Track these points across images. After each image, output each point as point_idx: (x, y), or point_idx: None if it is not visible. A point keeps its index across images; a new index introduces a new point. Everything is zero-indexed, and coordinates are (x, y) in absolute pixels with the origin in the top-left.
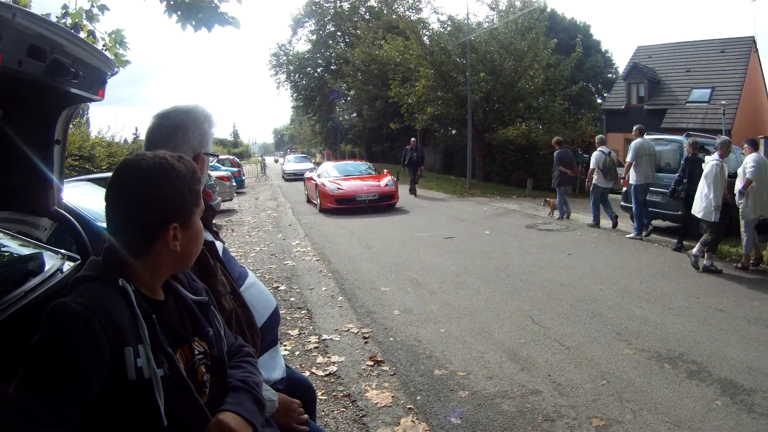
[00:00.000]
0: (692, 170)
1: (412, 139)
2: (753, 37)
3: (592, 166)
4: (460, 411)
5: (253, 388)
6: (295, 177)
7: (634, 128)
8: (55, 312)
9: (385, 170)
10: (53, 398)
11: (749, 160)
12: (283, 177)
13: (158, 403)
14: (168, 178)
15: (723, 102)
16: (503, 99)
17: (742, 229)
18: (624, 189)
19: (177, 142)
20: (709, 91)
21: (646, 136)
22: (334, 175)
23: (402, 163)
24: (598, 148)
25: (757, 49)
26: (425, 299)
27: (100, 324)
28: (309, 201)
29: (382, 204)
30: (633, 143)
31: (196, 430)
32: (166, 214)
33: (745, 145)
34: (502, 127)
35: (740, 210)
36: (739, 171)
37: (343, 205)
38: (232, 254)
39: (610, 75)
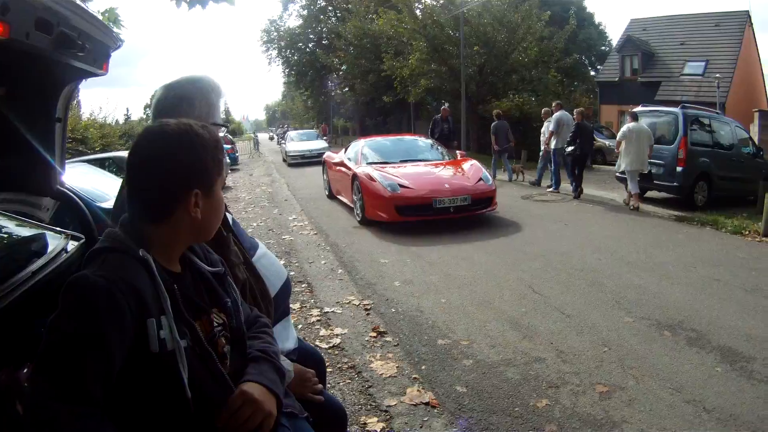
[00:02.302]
0: (582, 134)
1: (443, 107)
2: (748, 11)
3: (551, 129)
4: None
5: (273, 357)
6: (304, 160)
7: (629, 115)
8: (75, 285)
9: (459, 152)
10: (76, 374)
11: (622, 129)
12: (285, 160)
13: (182, 375)
14: (192, 144)
15: (717, 75)
16: (497, 71)
17: (627, 177)
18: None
19: (183, 113)
20: (703, 64)
21: (640, 108)
22: (378, 159)
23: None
24: (547, 120)
25: (752, 24)
26: (425, 270)
27: (122, 295)
28: (332, 195)
29: (476, 212)
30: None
31: (220, 401)
32: (189, 179)
33: (628, 117)
34: (496, 100)
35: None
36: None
37: (413, 216)
38: (249, 237)
39: (603, 48)
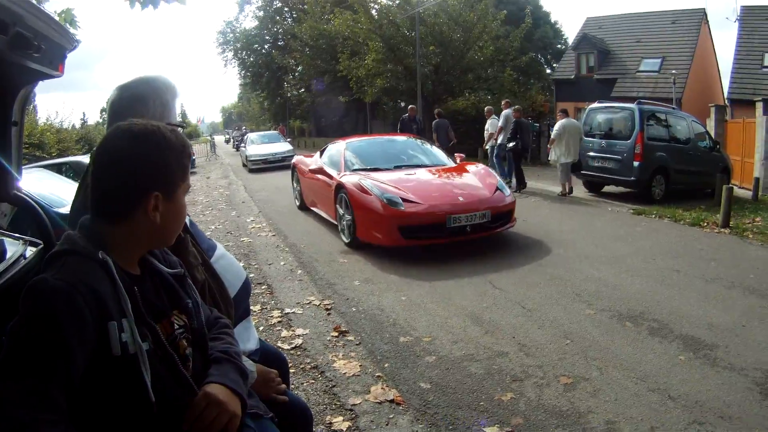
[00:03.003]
0: (520, 130)
1: (411, 106)
2: (704, 9)
3: (500, 124)
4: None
5: (235, 358)
6: (267, 165)
7: (559, 112)
8: (34, 289)
9: (456, 154)
10: (38, 380)
11: (557, 125)
12: (246, 166)
13: (145, 378)
14: (157, 145)
15: (674, 71)
16: (452, 70)
17: (558, 168)
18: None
19: (137, 113)
20: (659, 60)
21: (595, 105)
22: (366, 165)
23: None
24: (490, 117)
25: (707, 21)
26: (385, 268)
27: (83, 298)
28: (304, 207)
29: (495, 230)
30: (558, 123)
31: (183, 404)
32: (150, 180)
33: (559, 113)
34: (452, 98)
35: (553, 156)
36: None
37: (421, 239)
38: (208, 238)
39: (559, 46)
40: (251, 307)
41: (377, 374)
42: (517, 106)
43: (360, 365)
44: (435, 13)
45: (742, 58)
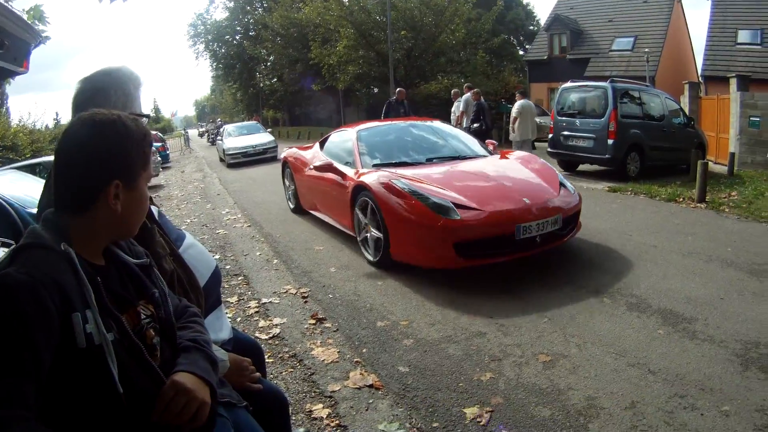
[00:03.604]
0: (481, 112)
1: (399, 89)
2: None
3: (461, 109)
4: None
5: (203, 346)
6: (247, 159)
7: (517, 93)
8: None
9: (488, 141)
10: (6, 376)
11: (516, 105)
12: (224, 160)
13: (111, 369)
14: (117, 133)
15: (646, 50)
16: (424, 54)
17: (516, 147)
18: (550, 135)
19: (99, 105)
20: (632, 39)
21: (569, 84)
22: (390, 158)
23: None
24: (456, 100)
25: (680, 0)
26: (361, 254)
27: (47, 291)
28: (299, 210)
29: (564, 239)
30: (516, 104)
31: (152, 394)
32: (110, 169)
33: (518, 94)
34: (425, 82)
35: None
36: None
37: (485, 257)
38: (177, 229)
39: (532, 27)
40: (228, 299)
41: (355, 360)
42: (476, 90)
43: (338, 352)
44: None
45: (715, 35)
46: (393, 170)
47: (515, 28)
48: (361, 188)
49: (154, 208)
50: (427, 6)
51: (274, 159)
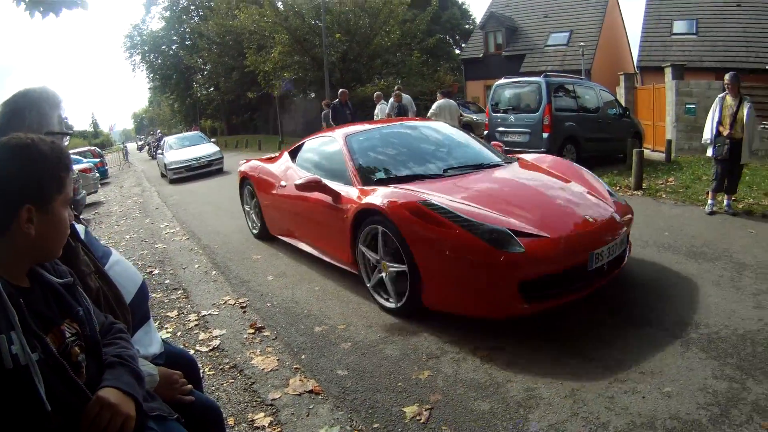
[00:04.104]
0: (404, 113)
1: (342, 90)
2: None
3: (382, 115)
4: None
5: (128, 361)
6: (191, 173)
7: (439, 93)
8: None
9: (494, 143)
10: None
11: (434, 105)
12: (165, 176)
13: (38, 389)
14: (29, 157)
15: (581, 44)
16: (360, 57)
17: None
18: (485, 132)
19: (15, 127)
20: (567, 34)
21: (503, 80)
22: (394, 170)
23: (330, 126)
24: (379, 103)
25: None
26: (298, 260)
27: None
28: (264, 236)
29: (624, 261)
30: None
31: (79, 411)
32: (20, 194)
33: (439, 93)
34: (361, 85)
35: None
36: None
37: (556, 297)
38: (103, 246)
39: (467, 26)
40: (168, 313)
41: (295, 366)
42: (396, 92)
43: (277, 359)
44: (340, 1)
45: (651, 27)
46: (406, 186)
47: (451, 28)
48: (368, 212)
49: (79, 227)
50: (362, 9)
51: (219, 171)
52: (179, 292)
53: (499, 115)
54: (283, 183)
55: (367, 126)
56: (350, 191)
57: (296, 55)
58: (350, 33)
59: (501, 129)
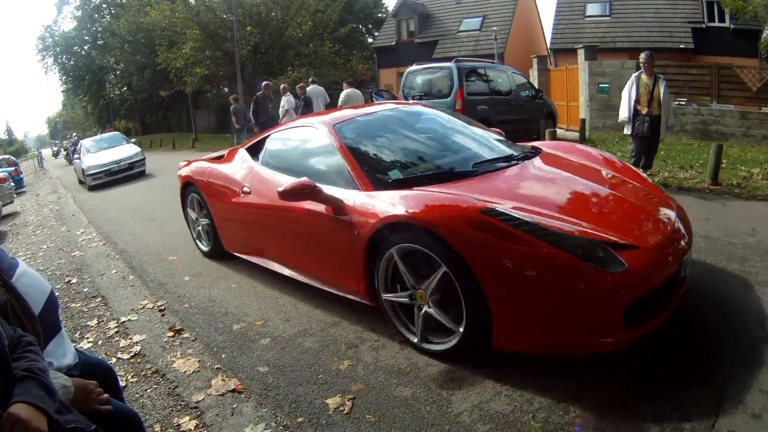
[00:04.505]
0: (309, 105)
1: (265, 83)
2: None
3: (288, 106)
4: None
5: (38, 374)
6: (112, 178)
7: (345, 83)
8: None
9: (493, 129)
10: None
11: (342, 94)
12: (84, 182)
13: None
14: None
15: (494, 28)
16: (272, 50)
17: None
18: None
19: None
20: (480, 19)
21: (414, 67)
22: (414, 168)
23: (252, 120)
24: (285, 95)
25: None
26: (214, 259)
27: None
28: (216, 252)
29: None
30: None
31: None
32: None
33: (345, 83)
34: (273, 78)
35: None
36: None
37: (654, 317)
38: (20, 258)
39: (380, 14)
40: (88, 322)
41: (216, 366)
42: (300, 84)
43: (198, 361)
44: None
45: (564, 10)
46: (439, 189)
47: (363, 17)
48: (397, 227)
49: None
50: (274, 1)
51: (142, 175)
52: (98, 299)
53: (411, 101)
54: (246, 189)
55: (351, 112)
56: (358, 198)
57: (208, 50)
58: (262, 25)
59: None
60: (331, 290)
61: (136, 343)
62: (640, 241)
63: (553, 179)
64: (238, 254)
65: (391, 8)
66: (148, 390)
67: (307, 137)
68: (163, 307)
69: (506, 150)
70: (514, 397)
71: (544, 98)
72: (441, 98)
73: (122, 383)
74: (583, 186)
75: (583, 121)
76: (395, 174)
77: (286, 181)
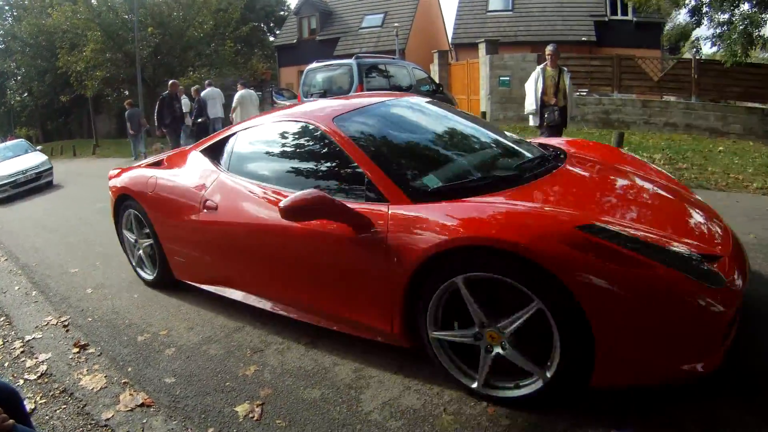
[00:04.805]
0: (203, 107)
1: (171, 81)
2: None
3: (186, 109)
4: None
5: None
6: (19, 190)
7: (239, 84)
8: None
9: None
10: None
11: (236, 96)
12: None
13: None
14: None
15: (396, 24)
16: (172, 51)
17: None
18: None
19: None
20: (381, 15)
21: (314, 64)
22: (440, 174)
23: (157, 122)
24: (182, 96)
25: None
26: (115, 269)
27: None
28: (163, 282)
29: None
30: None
31: None
32: None
33: (239, 85)
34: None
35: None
36: None
37: (732, 332)
38: None
39: (282, 12)
40: None
41: (123, 381)
42: (196, 86)
43: (105, 376)
44: None
45: (465, 5)
46: (491, 200)
47: (266, 15)
48: (472, 251)
49: None
50: (176, 0)
51: (49, 186)
52: (1, 319)
53: (311, 99)
54: (211, 203)
55: (341, 103)
56: (393, 214)
57: (108, 52)
58: (163, 26)
59: None
60: (340, 330)
61: (42, 362)
62: (720, 248)
63: (607, 182)
64: (194, 284)
65: (293, 6)
66: (57, 411)
67: (293, 135)
68: (67, 323)
69: (532, 149)
70: (424, 391)
71: (444, 92)
72: (341, 95)
73: (31, 405)
74: (639, 188)
75: (484, 113)
76: (432, 181)
77: (269, 192)
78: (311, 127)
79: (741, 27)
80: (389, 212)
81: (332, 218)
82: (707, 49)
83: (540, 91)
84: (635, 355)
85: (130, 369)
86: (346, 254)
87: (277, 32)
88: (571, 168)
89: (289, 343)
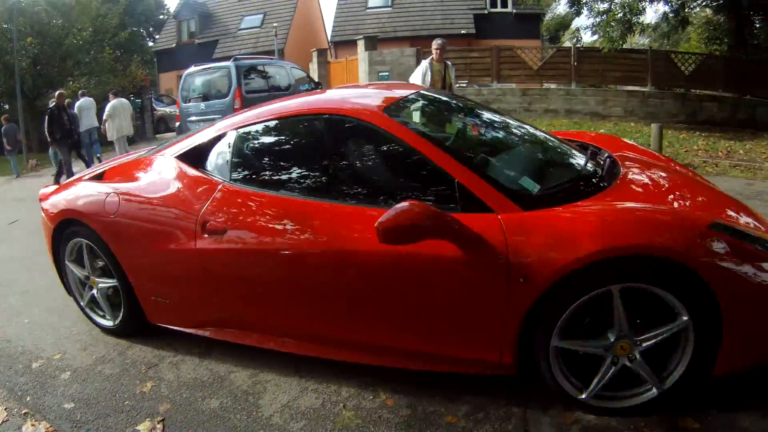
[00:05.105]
0: (72, 120)
1: (59, 92)
2: None
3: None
4: None
5: None
6: None
7: (111, 94)
8: None
9: None
10: None
11: (108, 106)
12: None
13: None
14: None
15: (275, 25)
16: (52, 60)
17: (115, 144)
18: (177, 124)
19: None
20: (261, 16)
21: (192, 69)
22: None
23: (49, 136)
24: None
25: None
26: (2, 294)
27: None
28: (153, 328)
29: None
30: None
31: None
32: None
33: (111, 95)
34: (54, 91)
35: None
36: None
37: None
38: None
39: (162, 16)
40: None
41: (24, 411)
42: (60, 91)
43: (5, 408)
44: (35, 1)
45: (345, 2)
46: (598, 203)
47: (145, 20)
48: (621, 261)
49: None
50: (55, 7)
51: None
52: None
53: (190, 104)
54: (214, 224)
55: (378, 91)
56: (508, 226)
57: None
58: (42, 34)
59: (193, 118)
60: (416, 368)
61: None
62: None
63: (666, 178)
64: (181, 329)
65: (172, 9)
66: None
67: (327, 132)
68: None
69: (579, 148)
70: (321, 390)
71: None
72: (220, 99)
73: None
74: (693, 181)
75: None
76: (530, 184)
77: (317, 208)
78: (354, 121)
79: (620, 14)
80: (503, 225)
81: (442, 236)
82: (588, 38)
83: (428, 84)
84: (750, 357)
85: (28, 398)
86: (449, 279)
87: (156, 37)
88: (630, 165)
89: (182, 355)
